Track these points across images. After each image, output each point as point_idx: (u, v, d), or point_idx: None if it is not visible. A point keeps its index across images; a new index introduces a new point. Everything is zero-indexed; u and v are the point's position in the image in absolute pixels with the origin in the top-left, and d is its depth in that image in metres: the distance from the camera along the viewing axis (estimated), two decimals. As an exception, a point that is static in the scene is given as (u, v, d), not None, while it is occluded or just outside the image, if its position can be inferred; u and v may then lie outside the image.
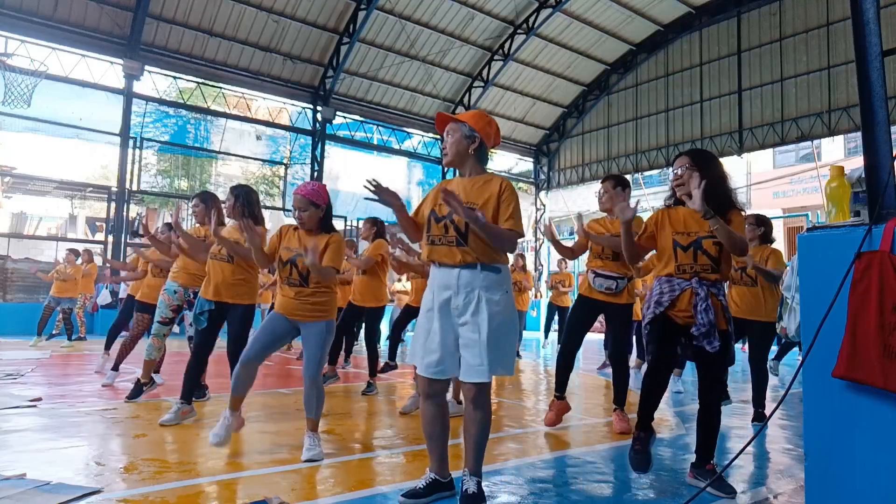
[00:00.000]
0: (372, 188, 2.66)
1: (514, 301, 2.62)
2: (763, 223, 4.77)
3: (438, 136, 15.93)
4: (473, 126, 2.65)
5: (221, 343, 4.10)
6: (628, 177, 20.42)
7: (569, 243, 4.57)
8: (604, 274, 4.16)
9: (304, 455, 3.21)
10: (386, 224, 5.81)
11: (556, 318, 10.72)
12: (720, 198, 2.83)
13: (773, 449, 3.76)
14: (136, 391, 4.87)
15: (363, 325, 6.00)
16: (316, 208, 3.35)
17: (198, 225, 4.79)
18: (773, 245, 4.81)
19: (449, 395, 4.72)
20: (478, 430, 2.53)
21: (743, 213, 2.95)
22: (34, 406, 4.58)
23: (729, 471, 3.12)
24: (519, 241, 2.66)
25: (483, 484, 2.54)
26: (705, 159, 2.92)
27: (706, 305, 2.75)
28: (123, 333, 6.39)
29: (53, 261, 10.52)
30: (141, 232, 8.36)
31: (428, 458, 2.67)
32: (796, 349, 7.66)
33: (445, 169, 17.95)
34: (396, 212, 2.72)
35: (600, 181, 4.43)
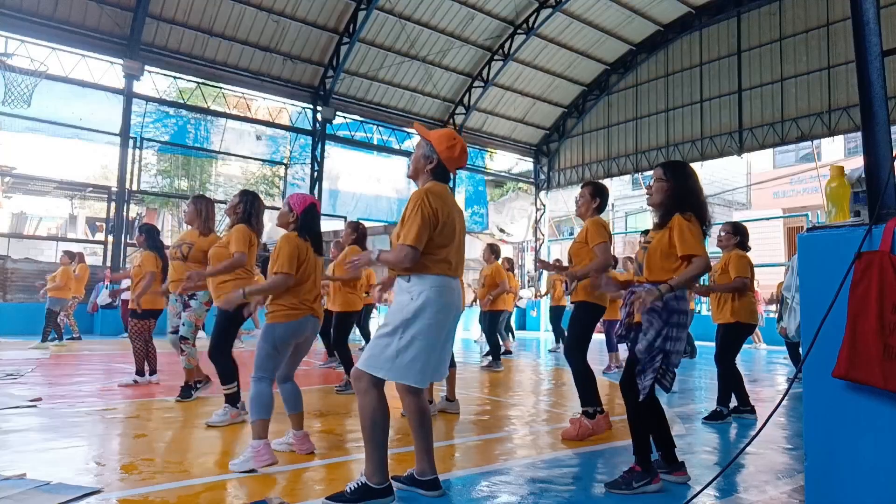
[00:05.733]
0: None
1: (407, 308, 2.56)
2: (739, 232, 4.74)
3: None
4: (436, 146, 2.72)
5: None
6: (628, 177, 20.47)
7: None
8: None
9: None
10: (388, 225, 5.82)
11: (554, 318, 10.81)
12: (678, 207, 2.85)
13: (773, 449, 3.75)
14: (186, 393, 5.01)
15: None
16: (289, 210, 3.44)
17: (188, 227, 4.99)
18: (749, 252, 4.75)
19: (443, 393, 4.74)
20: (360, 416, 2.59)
21: (689, 219, 2.82)
22: (34, 406, 4.58)
23: (729, 470, 3.12)
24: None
25: (483, 484, 2.54)
26: (676, 172, 2.94)
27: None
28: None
29: (55, 261, 10.53)
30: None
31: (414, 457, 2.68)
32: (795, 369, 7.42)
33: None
34: None
35: (581, 185, 4.29)
